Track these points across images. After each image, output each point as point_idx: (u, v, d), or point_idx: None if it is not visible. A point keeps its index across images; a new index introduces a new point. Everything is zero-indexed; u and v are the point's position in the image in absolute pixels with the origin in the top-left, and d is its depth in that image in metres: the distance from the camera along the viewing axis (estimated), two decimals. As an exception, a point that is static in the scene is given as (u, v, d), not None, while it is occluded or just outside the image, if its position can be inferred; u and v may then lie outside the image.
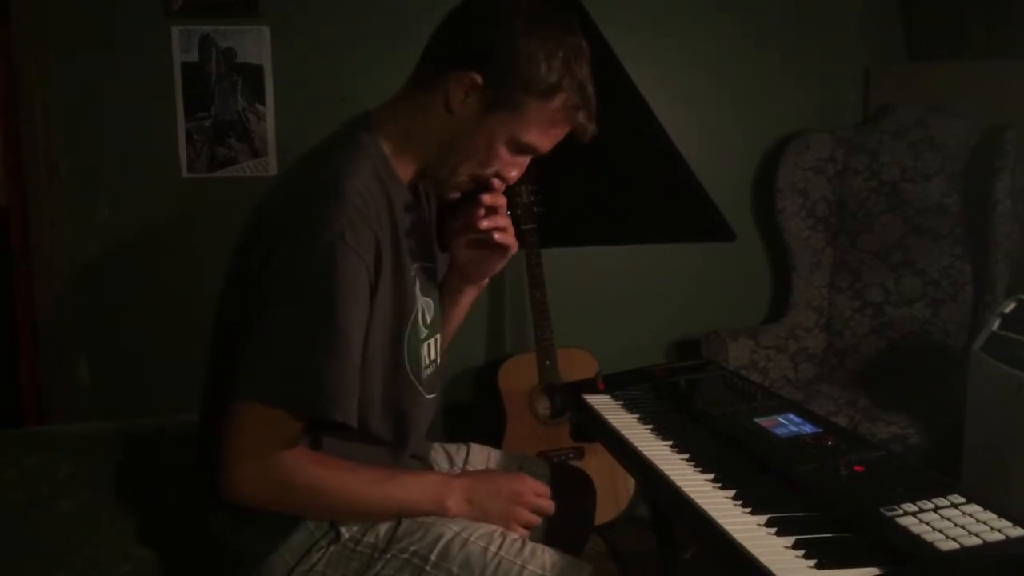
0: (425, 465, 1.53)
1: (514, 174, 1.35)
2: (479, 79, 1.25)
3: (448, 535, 1.30)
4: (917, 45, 2.98)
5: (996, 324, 2.06)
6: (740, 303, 3.08)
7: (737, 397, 1.62)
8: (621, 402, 1.64)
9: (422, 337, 1.38)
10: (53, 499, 1.46)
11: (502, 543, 1.30)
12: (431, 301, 1.42)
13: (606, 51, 2.82)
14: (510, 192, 1.44)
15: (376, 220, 1.25)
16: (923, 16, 2.94)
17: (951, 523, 1.04)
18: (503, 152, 1.31)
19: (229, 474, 1.22)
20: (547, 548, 1.32)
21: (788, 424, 1.42)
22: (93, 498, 1.49)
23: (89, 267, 2.72)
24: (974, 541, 1.00)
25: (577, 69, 1.28)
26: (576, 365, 2.61)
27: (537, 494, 1.40)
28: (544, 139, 1.31)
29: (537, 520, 1.40)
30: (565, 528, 1.62)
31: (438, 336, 1.45)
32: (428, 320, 1.40)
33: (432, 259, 1.45)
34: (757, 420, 1.45)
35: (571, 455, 2.56)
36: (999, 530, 1.02)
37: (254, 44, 2.69)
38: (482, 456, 1.68)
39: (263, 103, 2.72)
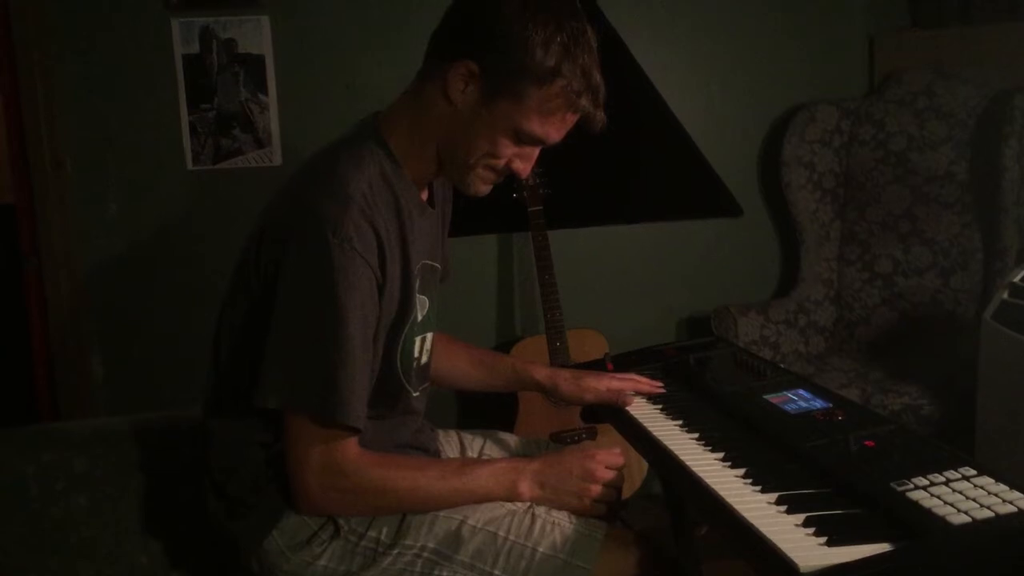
0: (430, 455, 1.52)
1: (522, 166, 1.31)
2: (476, 68, 1.22)
3: (454, 524, 1.30)
4: (922, 11, 2.94)
5: (1007, 292, 2.05)
6: (749, 278, 3.07)
7: (747, 374, 1.62)
8: (631, 382, 1.63)
9: (415, 335, 1.38)
10: (69, 494, 1.48)
11: (510, 526, 1.29)
12: (427, 299, 1.40)
13: (607, 28, 2.79)
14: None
15: (382, 222, 1.25)
16: (927, -18, 2.91)
17: (963, 496, 1.03)
18: (506, 143, 1.27)
19: (301, 488, 1.25)
20: (557, 524, 1.30)
21: (798, 400, 1.42)
22: (109, 492, 1.50)
23: (99, 263, 2.74)
24: (986, 514, 0.99)
25: (579, 54, 1.23)
26: (586, 346, 2.61)
27: (608, 467, 1.36)
28: (548, 128, 1.26)
29: (613, 494, 1.37)
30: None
31: (428, 335, 1.44)
32: (420, 318, 1.38)
33: (436, 257, 1.45)
34: (767, 397, 1.44)
35: (583, 435, 2.56)
36: (1011, 502, 1.01)
37: (255, 34, 2.69)
38: (498, 449, 1.66)
39: (266, 93, 2.72)
